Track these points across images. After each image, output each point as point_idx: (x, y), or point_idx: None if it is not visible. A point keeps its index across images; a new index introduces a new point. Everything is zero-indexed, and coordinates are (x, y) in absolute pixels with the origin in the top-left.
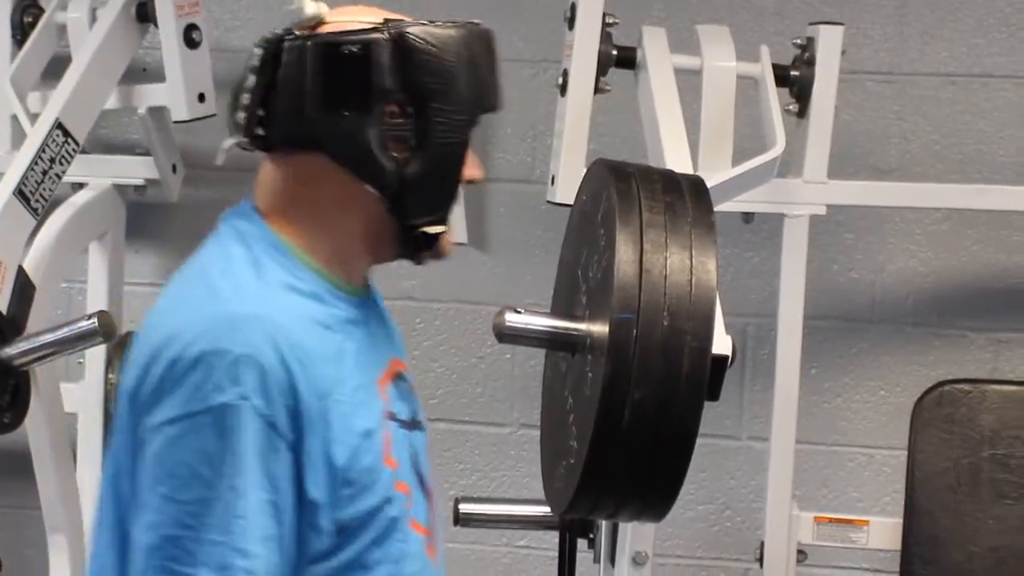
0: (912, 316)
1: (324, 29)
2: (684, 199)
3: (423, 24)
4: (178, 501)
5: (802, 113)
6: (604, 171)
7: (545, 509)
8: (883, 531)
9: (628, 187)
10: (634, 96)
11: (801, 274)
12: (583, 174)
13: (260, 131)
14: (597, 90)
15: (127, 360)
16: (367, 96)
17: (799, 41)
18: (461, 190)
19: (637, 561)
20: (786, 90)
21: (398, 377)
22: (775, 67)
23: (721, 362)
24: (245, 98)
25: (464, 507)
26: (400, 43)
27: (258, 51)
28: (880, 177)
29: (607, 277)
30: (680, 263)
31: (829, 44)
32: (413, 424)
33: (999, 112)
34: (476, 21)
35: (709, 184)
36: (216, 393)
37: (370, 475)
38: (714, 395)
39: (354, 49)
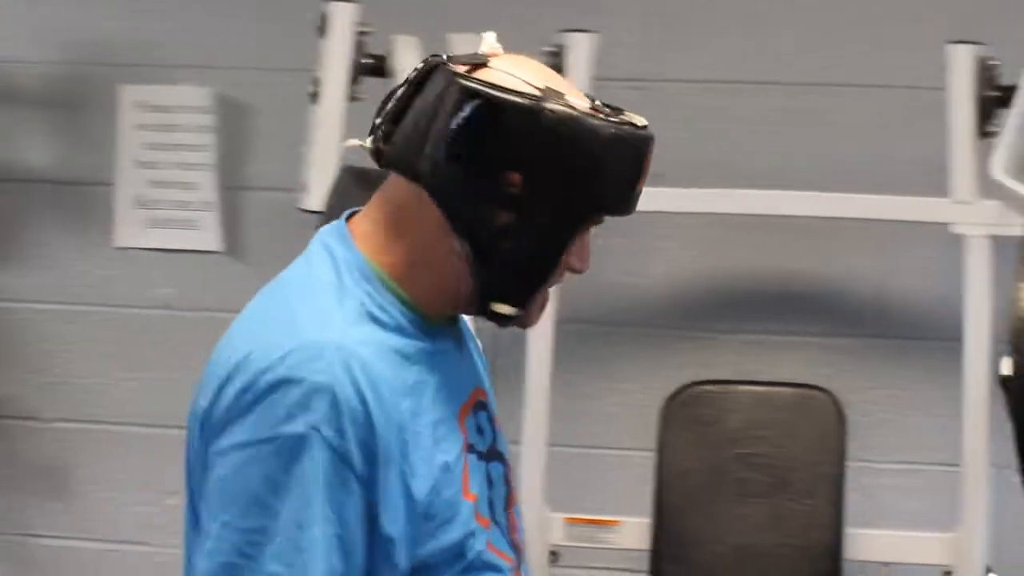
0: (664, 318)
1: (482, 73)
2: None
3: (577, 109)
4: (239, 529)
5: None
6: (349, 179)
7: None
8: (634, 531)
9: (371, 194)
10: None
11: None
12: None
13: (383, 145)
14: (350, 98)
15: (200, 382)
16: (492, 156)
17: (551, 48)
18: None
19: None
20: None
21: (479, 406)
22: None
23: None
24: (389, 108)
25: None
26: (545, 119)
27: (420, 66)
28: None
29: None
30: None
31: (580, 51)
32: (491, 455)
33: (751, 117)
34: (643, 123)
35: None
36: (287, 422)
37: (451, 509)
38: None
39: (498, 108)
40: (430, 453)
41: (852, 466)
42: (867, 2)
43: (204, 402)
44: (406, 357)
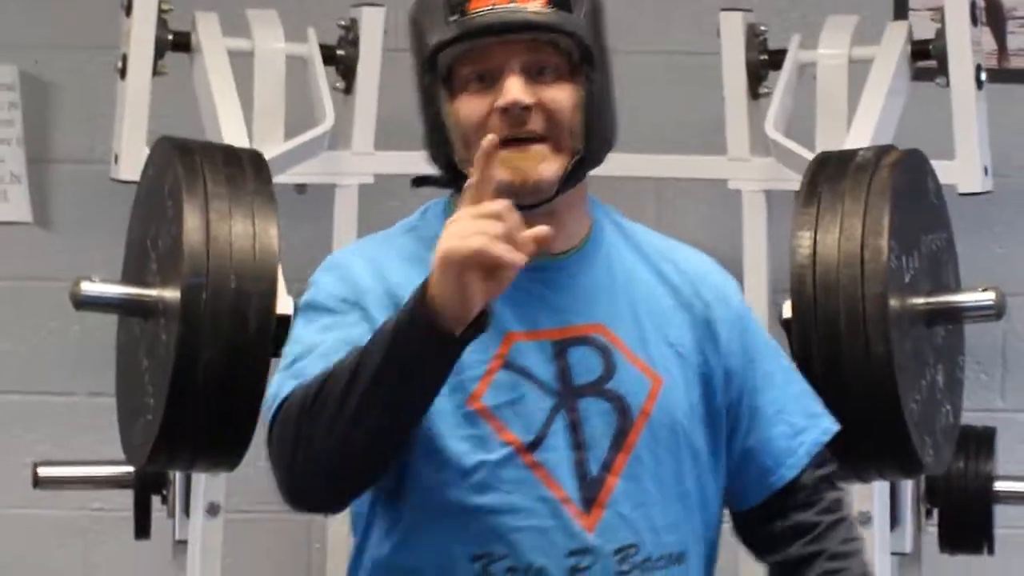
0: None
1: None
2: (244, 172)
3: None
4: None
5: (349, 90)
6: (168, 148)
7: (120, 469)
8: None
9: (192, 161)
10: (191, 78)
11: (352, 240)
12: (148, 152)
13: None
14: (155, 73)
15: None
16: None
17: (343, 22)
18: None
19: (211, 512)
20: (333, 68)
21: (578, 341)
22: (322, 47)
23: (285, 321)
24: None
25: (42, 470)
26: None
27: None
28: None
29: (176, 246)
30: (244, 231)
31: (372, 24)
32: (585, 390)
33: None
34: None
35: (266, 157)
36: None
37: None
38: (277, 352)
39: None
40: None
41: None
42: None
43: None
44: (424, 262)
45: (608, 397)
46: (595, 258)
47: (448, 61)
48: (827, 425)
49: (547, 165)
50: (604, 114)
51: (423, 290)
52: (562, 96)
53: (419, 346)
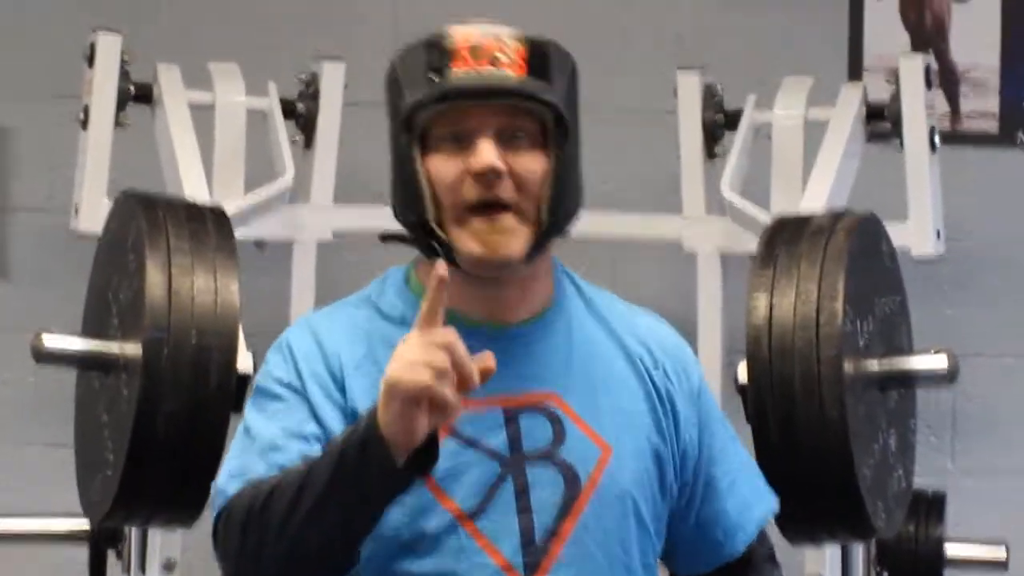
0: None
1: None
2: (207, 227)
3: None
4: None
5: (308, 144)
6: (132, 202)
7: (75, 522)
8: None
9: (155, 216)
10: (152, 130)
11: (310, 295)
12: (109, 204)
13: None
14: (117, 124)
15: None
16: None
17: (304, 76)
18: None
19: (167, 568)
20: (293, 123)
21: (532, 409)
22: (283, 101)
23: (244, 377)
24: None
25: None
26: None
27: None
28: (382, 202)
29: (138, 299)
30: (206, 285)
31: (332, 79)
32: (535, 456)
33: None
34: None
35: (227, 211)
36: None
37: None
38: (238, 407)
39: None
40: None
41: None
42: (602, 29)
43: None
44: (383, 338)
45: (557, 464)
46: (555, 324)
47: (424, 121)
48: (771, 501)
49: (515, 240)
50: (572, 184)
51: (373, 415)
52: (533, 165)
53: (363, 471)
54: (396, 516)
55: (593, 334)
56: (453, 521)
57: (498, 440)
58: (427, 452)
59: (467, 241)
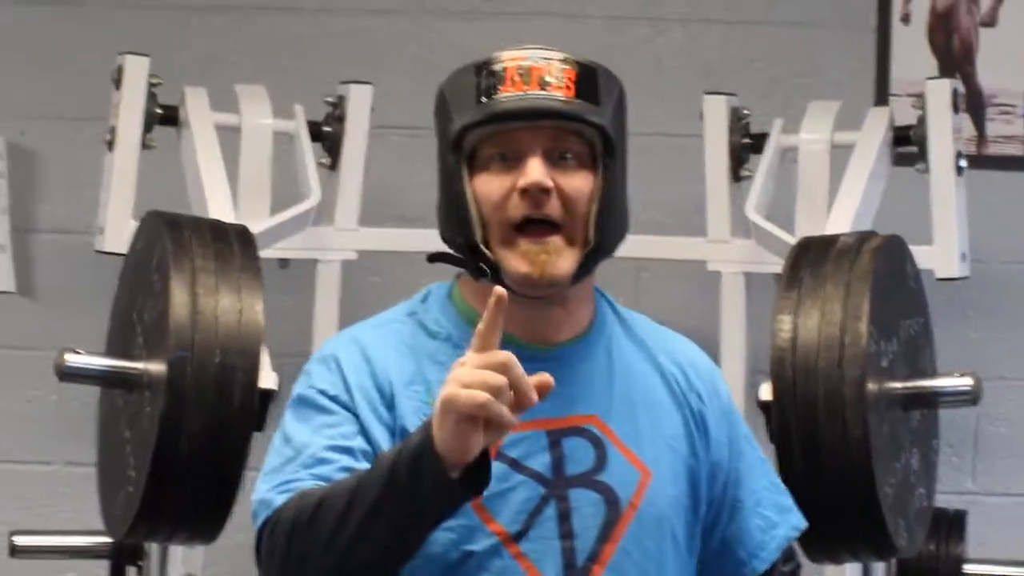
0: None
1: None
2: (232, 247)
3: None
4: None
5: (334, 166)
6: (158, 222)
7: (96, 539)
8: None
9: (180, 236)
10: (178, 152)
11: (334, 316)
12: (135, 225)
13: None
14: (143, 146)
15: None
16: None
17: (331, 99)
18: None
19: None
20: (320, 145)
21: (572, 432)
22: (309, 124)
23: (268, 395)
24: None
25: (19, 539)
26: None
27: None
28: (406, 224)
29: (163, 319)
30: (231, 305)
31: (359, 101)
32: (576, 480)
33: None
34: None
35: (253, 232)
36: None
37: None
38: (261, 426)
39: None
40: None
41: None
42: (633, 55)
43: None
44: (429, 356)
45: (598, 488)
46: (596, 347)
47: (474, 142)
48: (796, 521)
49: (563, 260)
50: (619, 205)
51: (428, 429)
52: (581, 185)
53: (416, 486)
54: (443, 536)
55: (632, 357)
56: (498, 543)
57: (542, 462)
58: (479, 469)
59: (514, 261)
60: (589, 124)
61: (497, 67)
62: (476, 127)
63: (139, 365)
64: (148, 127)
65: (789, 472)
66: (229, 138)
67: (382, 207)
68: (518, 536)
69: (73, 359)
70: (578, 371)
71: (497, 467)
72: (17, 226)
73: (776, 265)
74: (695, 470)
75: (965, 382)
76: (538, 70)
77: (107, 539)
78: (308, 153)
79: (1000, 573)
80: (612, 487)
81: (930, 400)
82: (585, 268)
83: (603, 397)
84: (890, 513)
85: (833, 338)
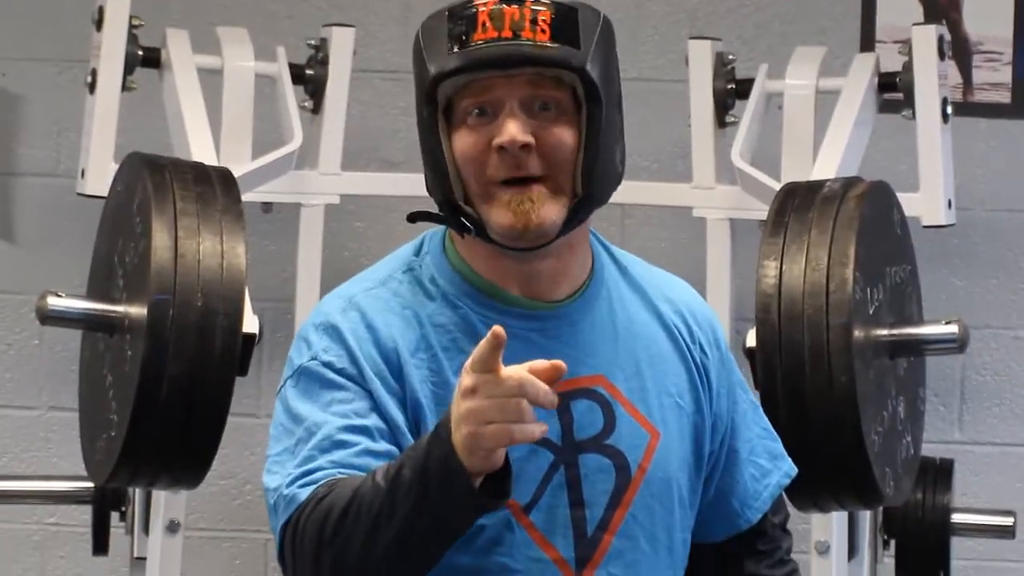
0: None
1: None
2: (214, 190)
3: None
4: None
5: (317, 109)
6: (138, 164)
7: (79, 484)
8: None
9: (162, 178)
10: (160, 94)
11: (317, 260)
12: (116, 167)
13: None
14: (124, 88)
15: None
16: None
17: (313, 42)
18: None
19: (171, 529)
20: (302, 88)
21: (579, 393)
22: (292, 67)
23: (250, 340)
24: None
25: (2, 484)
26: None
27: None
28: (389, 169)
29: (144, 262)
30: (212, 248)
31: (341, 45)
32: (586, 445)
33: None
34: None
35: (235, 175)
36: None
37: None
38: (243, 370)
39: None
40: (426, 402)
41: None
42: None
43: None
44: (430, 318)
45: (608, 453)
46: (597, 301)
47: (448, 93)
48: (787, 468)
49: (547, 208)
50: (607, 153)
51: (449, 441)
52: (562, 136)
53: (448, 504)
54: None
55: (634, 309)
56: (509, 516)
57: (552, 429)
58: (503, 474)
59: (497, 214)
60: (568, 68)
61: (469, 11)
62: (448, 76)
63: (120, 308)
64: (129, 69)
65: (774, 418)
66: (211, 81)
67: (365, 151)
68: (528, 507)
69: (55, 302)
70: (581, 329)
71: None
72: None
73: (761, 211)
74: (699, 426)
75: (951, 329)
76: (511, 12)
77: (90, 484)
78: (290, 96)
79: (987, 522)
80: (622, 451)
81: (916, 348)
82: (573, 219)
83: (608, 354)
84: (876, 461)
85: (819, 284)
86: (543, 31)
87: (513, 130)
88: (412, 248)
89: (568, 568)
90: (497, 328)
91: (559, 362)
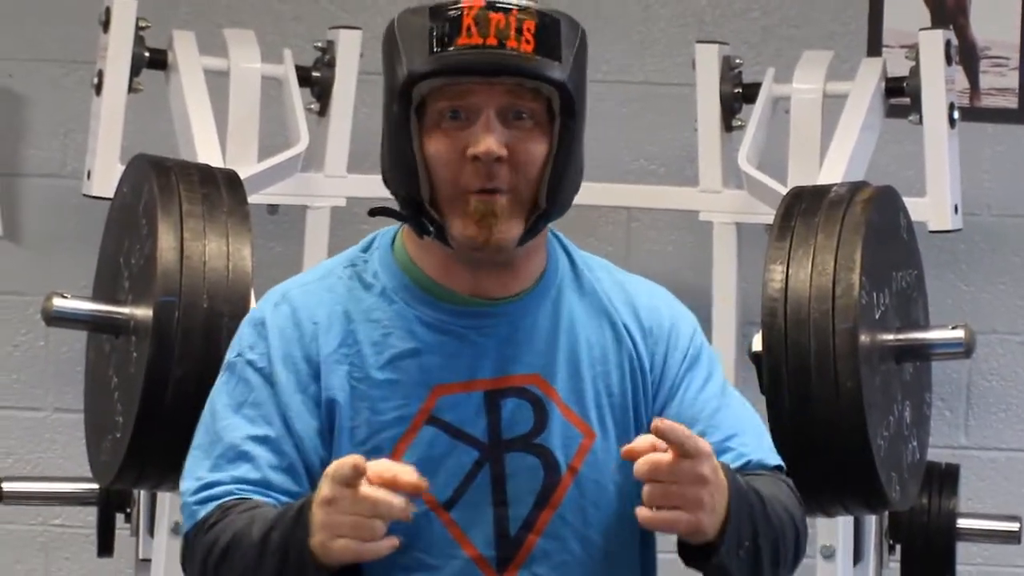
0: None
1: None
2: (220, 191)
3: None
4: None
5: (323, 112)
6: (145, 165)
7: (85, 486)
8: None
9: (168, 180)
10: (166, 96)
11: None
12: (122, 169)
13: None
14: (131, 90)
15: None
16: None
17: (320, 44)
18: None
19: (175, 531)
20: (308, 90)
21: (512, 392)
22: (298, 69)
23: None
24: None
25: (7, 486)
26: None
27: None
28: None
29: (150, 263)
30: (218, 250)
31: (348, 47)
32: (515, 443)
33: None
34: None
35: (241, 177)
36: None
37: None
38: None
39: None
40: (343, 400)
41: None
42: (624, 4)
43: None
44: (363, 312)
45: (536, 452)
46: (542, 302)
47: (423, 92)
48: (777, 460)
49: (509, 224)
50: (574, 166)
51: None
52: (534, 151)
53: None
54: None
55: (580, 311)
56: (427, 511)
57: (478, 427)
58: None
59: (462, 224)
60: (550, 82)
61: (453, 12)
62: (427, 78)
63: (126, 310)
64: (136, 71)
65: (780, 423)
66: (218, 82)
67: (371, 154)
68: (449, 504)
69: (61, 303)
70: (520, 328)
71: (429, 433)
72: (4, 170)
73: (768, 215)
74: (643, 430)
75: (957, 334)
76: (497, 19)
77: (95, 486)
78: (296, 98)
79: (992, 527)
80: (551, 450)
81: (922, 352)
82: (532, 231)
83: (547, 355)
84: (882, 465)
85: (825, 289)
86: (528, 41)
87: (490, 142)
88: (362, 245)
89: (489, 567)
90: (359, 461)
91: (423, 482)
